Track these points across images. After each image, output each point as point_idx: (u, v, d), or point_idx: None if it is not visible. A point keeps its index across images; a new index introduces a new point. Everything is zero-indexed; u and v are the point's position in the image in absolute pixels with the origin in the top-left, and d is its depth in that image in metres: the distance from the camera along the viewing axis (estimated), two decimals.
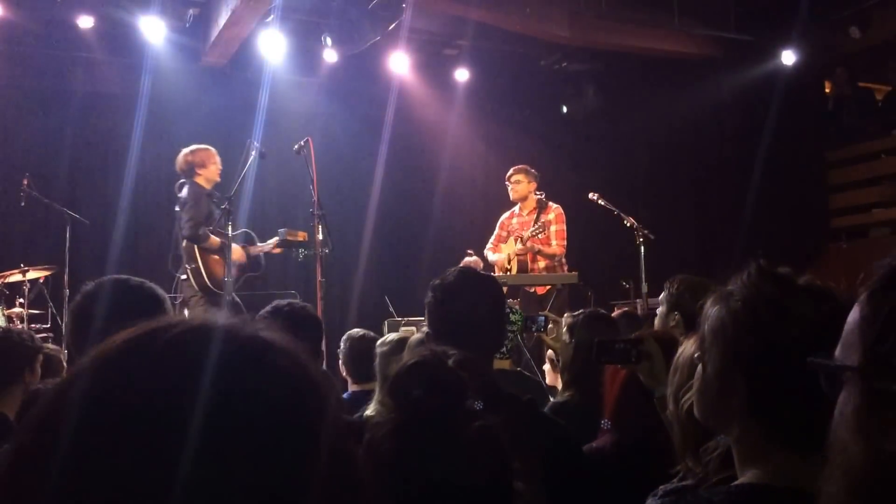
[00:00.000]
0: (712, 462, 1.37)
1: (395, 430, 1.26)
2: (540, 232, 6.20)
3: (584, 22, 7.79)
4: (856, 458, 0.73)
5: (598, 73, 8.83)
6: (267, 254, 6.03)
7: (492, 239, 6.58)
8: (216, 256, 5.58)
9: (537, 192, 6.44)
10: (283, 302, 2.49)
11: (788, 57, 8.16)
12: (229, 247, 5.45)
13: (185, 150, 5.77)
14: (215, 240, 5.57)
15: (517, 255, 6.24)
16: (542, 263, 6.24)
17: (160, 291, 2.18)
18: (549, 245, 6.23)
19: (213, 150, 5.56)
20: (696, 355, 1.30)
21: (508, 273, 6.19)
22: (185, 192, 5.64)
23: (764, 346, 1.16)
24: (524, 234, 6.26)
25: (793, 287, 1.21)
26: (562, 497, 1.84)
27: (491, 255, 6.49)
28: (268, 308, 2.47)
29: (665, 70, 8.44)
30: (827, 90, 9.16)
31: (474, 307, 2.13)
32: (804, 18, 7.51)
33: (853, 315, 0.79)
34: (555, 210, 6.32)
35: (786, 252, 7.74)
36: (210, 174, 5.72)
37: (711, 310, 1.23)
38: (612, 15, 7.82)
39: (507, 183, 6.50)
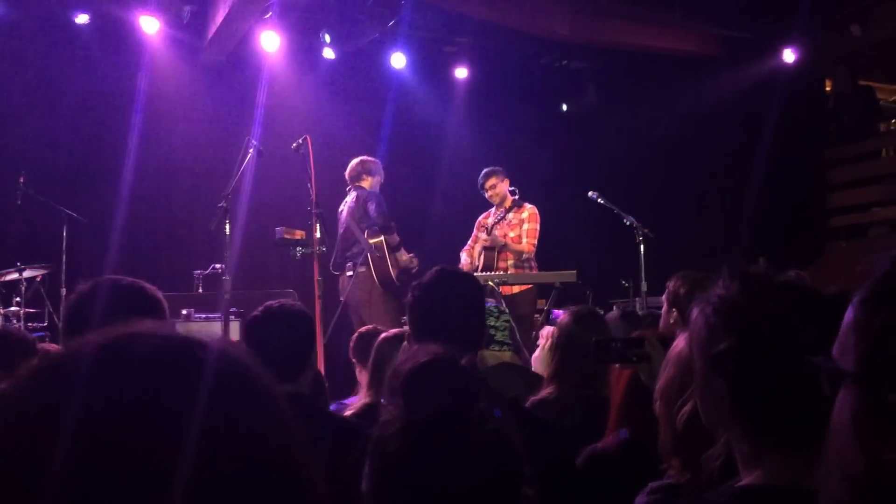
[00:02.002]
0: (715, 468, 1.36)
1: (404, 429, 1.24)
2: (501, 220, 6.18)
3: (585, 19, 7.76)
4: (853, 463, 0.74)
5: (598, 70, 8.80)
6: (266, 253, 6.00)
7: (469, 241, 6.52)
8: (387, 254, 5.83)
9: (511, 191, 6.39)
10: (275, 302, 2.45)
11: (789, 55, 8.13)
12: (228, 245, 5.44)
13: (356, 160, 6.17)
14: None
15: (484, 247, 6.19)
16: (510, 261, 6.16)
17: (154, 290, 2.16)
18: (520, 242, 6.18)
19: (379, 162, 5.88)
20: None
21: (500, 272, 6.13)
22: (354, 196, 6.02)
23: (738, 348, 1.16)
24: (489, 222, 6.24)
25: (764, 287, 1.21)
26: (554, 496, 1.83)
27: (462, 258, 6.43)
28: (259, 308, 2.44)
29: (666, 67, 8.41)
30: (828, 88, 9.13)
31: (451, 304, 2.22)
32: (805, 16, 7.47)
33: (848, 316, 0.78)
34: (529, 209, 6.28)
35: (785, 250, 7.72)
36: (375, 181, 6.09)
37: (692, 315, 1.25)
38: (612, 12, 7.80)
39: (483, 191, 6.41)
